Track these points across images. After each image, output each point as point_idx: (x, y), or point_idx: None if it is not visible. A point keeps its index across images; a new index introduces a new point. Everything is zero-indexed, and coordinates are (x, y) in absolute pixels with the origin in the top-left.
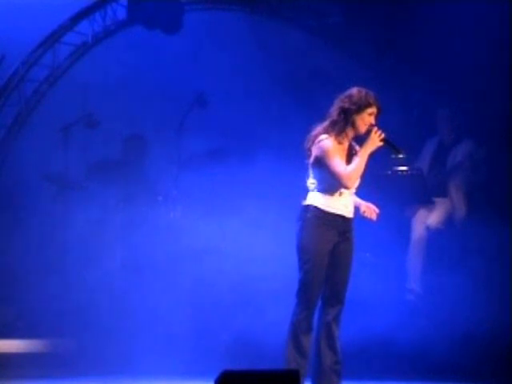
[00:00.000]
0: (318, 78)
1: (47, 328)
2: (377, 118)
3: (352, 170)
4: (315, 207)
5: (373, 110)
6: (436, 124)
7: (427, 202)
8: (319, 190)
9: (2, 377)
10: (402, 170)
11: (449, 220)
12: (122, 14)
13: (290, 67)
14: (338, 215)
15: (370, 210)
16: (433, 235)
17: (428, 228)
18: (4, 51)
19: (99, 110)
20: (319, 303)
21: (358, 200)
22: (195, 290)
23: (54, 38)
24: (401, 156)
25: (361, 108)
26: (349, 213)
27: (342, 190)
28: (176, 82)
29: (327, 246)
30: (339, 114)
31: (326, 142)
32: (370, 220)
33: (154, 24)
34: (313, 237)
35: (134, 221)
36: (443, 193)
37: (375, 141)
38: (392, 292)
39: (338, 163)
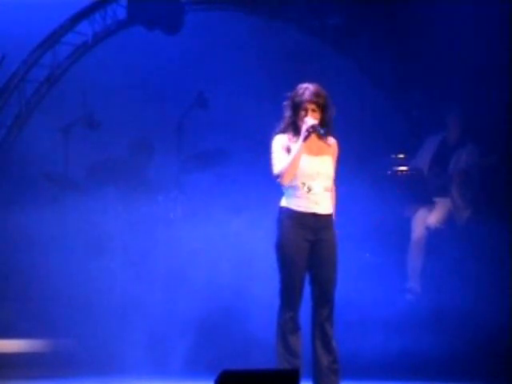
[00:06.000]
0: (317, 79)
1: (47, 328)
2: (321, 110)
3: (282, 168)
4: (286, 208)
5: (305, 106)
6: (437, 124)
7: (427, 202)
8: (286, 190)
9: (2, 377)
10: (402, 170)
11: (449, 220)
12: (122, 13)
13: (290, 67)
14: (308, 213)
15: None
16: (433, 235)
17: (428, 228)
18: (4, 51)
19: (99, 110)
20: (311, 304)
21: None
22: (195, 290)
23: (53, 38)
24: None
25: (295, 103)
26: (322, 210)
27: (310, 187)
28: (176, 82)
29: (302, 245)
30: (285, 111)
31: (273, 141)
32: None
33: (154, 24)
34: (286, 237)
35: (133, 221)
36: (443, 193)
37: (303, 131)
38: (392, 292)
39: (275, 161)
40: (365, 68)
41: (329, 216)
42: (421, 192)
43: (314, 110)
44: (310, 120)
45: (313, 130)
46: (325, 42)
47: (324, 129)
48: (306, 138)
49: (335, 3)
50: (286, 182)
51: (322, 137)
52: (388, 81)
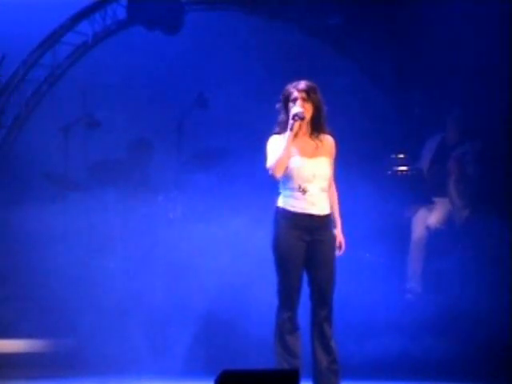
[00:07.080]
0: (317, 79)
1: (47, 328)
2: (313, 104)
3: (274, 160)
4: (282, 208)
5: (294, 95)
6: (437, 124)
7: (427, 202)
8: (283, 191)
9: (2, 377)
10: (402, 170)
11: (449, 220)
12: (122, 13)
13: (290, 68)
14: (303, 214)
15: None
16: (433, 235)
17: (428, 228)
18: (4, 51)
19: (99, 110)
20: (310, 305)
21: (337, 228)
22: (195, 291)
23: (53, 38)
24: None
25: (285, 97)
26: (318, 210)
27: (306, 188)
28: (176, 82)
29: (298, 245)
30: (279, 111)
31: (268, 142)
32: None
33: (154, 24)
34: (282, 237)
35: (133, 221)
36: (443, 193)
37: (290, 120)
38: (392, 292)
39: (268, 156)
40: (365, 68)
41: (325, 217)
42: (421, 192)
43: (304, 99)
44: (296, 108)
45: (297, 117)
46: (325, 42)
47: (302, 114)
48: (292, 127)
49: (335, 3)
50: (278, 173)
51: (316, 136)
52: (388, 81)
